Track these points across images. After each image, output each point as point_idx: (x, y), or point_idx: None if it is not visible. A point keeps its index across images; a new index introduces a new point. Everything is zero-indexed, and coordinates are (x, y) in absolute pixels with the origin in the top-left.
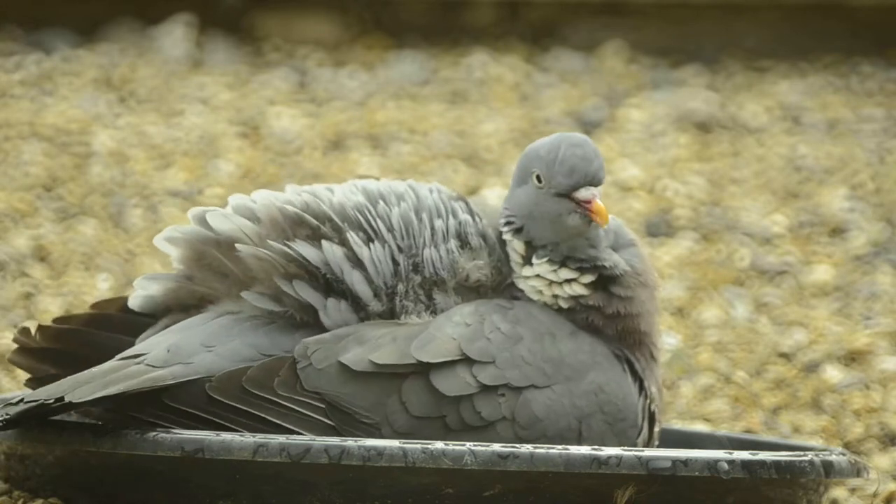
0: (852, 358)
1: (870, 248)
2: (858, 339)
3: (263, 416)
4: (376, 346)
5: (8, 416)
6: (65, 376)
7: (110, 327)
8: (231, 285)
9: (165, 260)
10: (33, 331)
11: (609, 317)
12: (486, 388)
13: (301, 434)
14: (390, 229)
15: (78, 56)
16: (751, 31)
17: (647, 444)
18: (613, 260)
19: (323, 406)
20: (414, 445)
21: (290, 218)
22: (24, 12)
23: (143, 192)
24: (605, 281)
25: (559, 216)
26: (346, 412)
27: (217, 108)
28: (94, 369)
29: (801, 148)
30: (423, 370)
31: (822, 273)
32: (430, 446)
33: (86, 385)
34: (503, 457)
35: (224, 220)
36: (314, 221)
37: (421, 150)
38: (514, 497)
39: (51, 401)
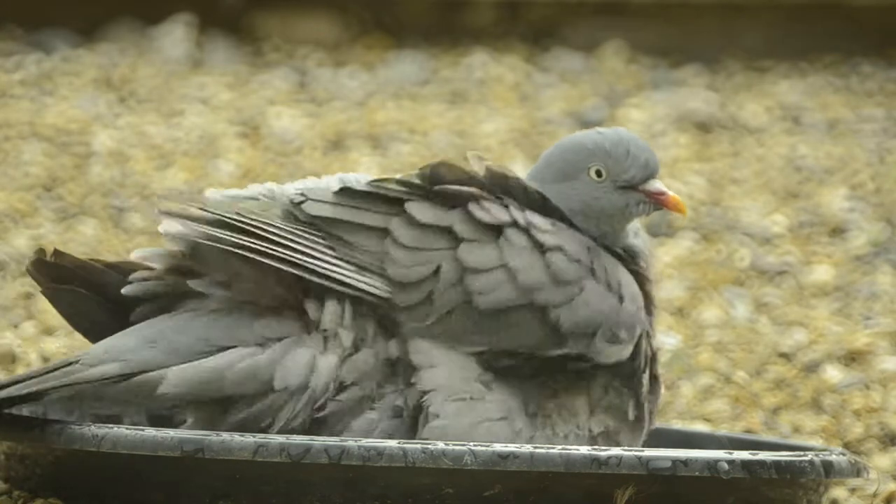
0: (852, 358)
1: (870, 248)
2: (858, 339)
3: (266, 234)
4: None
5: None
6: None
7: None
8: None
9: None
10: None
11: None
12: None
13: (307, 250)
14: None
15: (78, 56)
16: (751, 31)
17: (650, 396)
18: (640, 247)
19: (322, 236)
20: (414, 445)
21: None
22: (24, 12)
23: (143, 192)
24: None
25: (625, 207)
26: (346, 242)
27: (217, 108)
28: (38, 368)
29: (801, 148)
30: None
31: (822, 273)
32: (430, 446)
33: (19, 383)
34: (503, 457)
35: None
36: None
37: (421, 150)
38: (514, 497)
39: None
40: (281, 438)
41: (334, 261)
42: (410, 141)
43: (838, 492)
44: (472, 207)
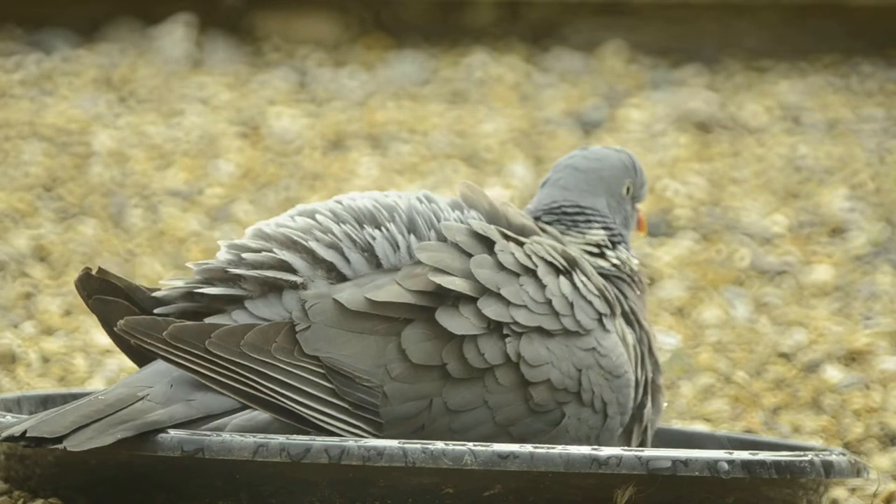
0: (852, 358)
1: (870, 248)
2: (858, 339)
3: (260, 378)
4: (376, 286)
5: (11, 436)
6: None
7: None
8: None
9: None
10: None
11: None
12: (490, 329)
13: (302, 393)
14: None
15: (78, 56)
16: (751, 31)
17: (652, 416)
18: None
19: (322, 371)
20: (414, 445)
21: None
22: (24, 12)
23: (143, 192)
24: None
25: (632, 220)
26: (345, 375)
27: (217, 108)
28: (96, 402)
29: (801, 148)
30: (426, 312)
31: (822, 273)
32: (430, 446)
33: (87, 428)
34: (503, 457)
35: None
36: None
37: (421, 150)
38: (514, 497)
39: (50, 441)
40: (281, 438)
41: (327, 403)
42: (410, 141)
43: (838, 492)
44: (466, 347)
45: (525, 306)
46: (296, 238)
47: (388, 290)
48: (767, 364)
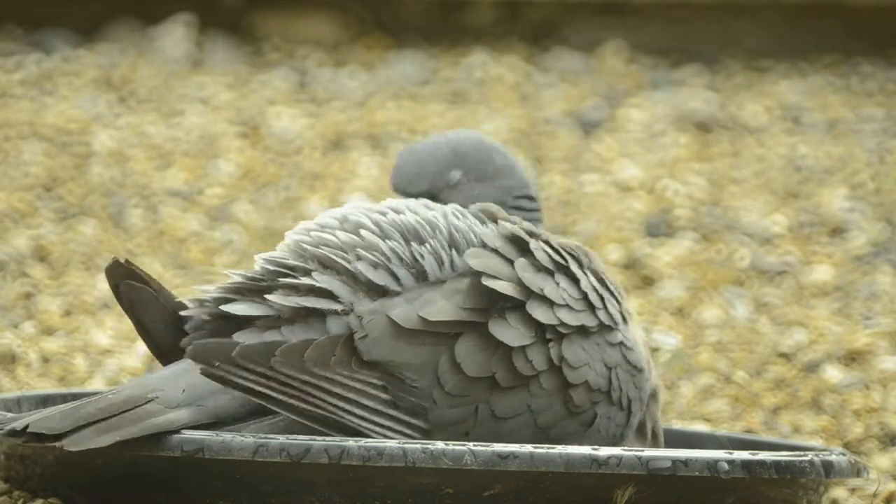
0: (852, 358)
1: (870, 248)
2: (858, 339)
3: (321, 394)
4: (426, 302)
5: (13, 430)
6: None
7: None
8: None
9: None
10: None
11: None
12: (537, 336)
13: (360, 406)
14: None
15: (78, 56)
16: (751, 31)
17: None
18: None
19: (380, 382)
20: (414, 445)
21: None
22: (24, 12)
23: (143, 192)
24: None
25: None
26: (399, 379)
27: (217, 108)
28: (104, 400)
29: (801, 148)
30: (477, 325)
31: (822, 273)
32: (430, 446)
33: (89, 427)
34: (503, 457)
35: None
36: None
37: None
38: (514, 497)
39: (50, 438)
40: (281, 438)
41: (383, 415)
42: (410, 141)
43: (838, 492)
44: (516, 356)
45: (567, 305)
46: (337, 258)
47: (440, 308)
48: (767, 364)
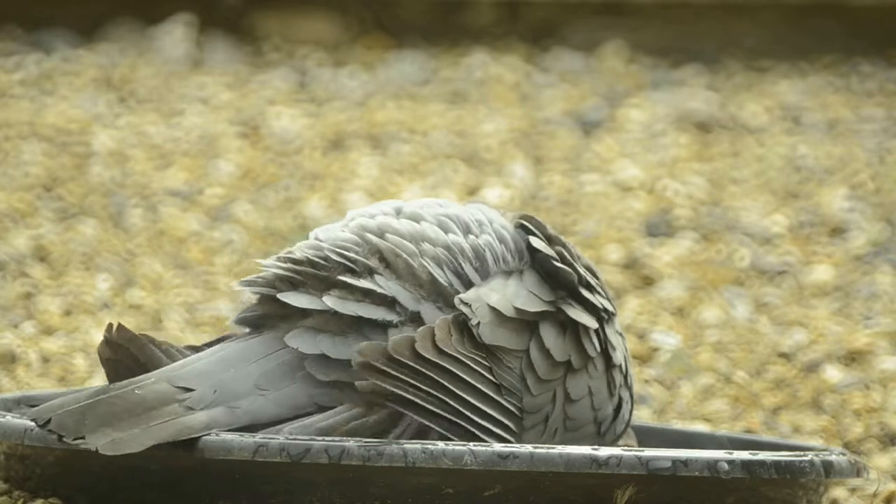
0: (852, 358)
1: (870, 248)
2: (858, 339)
3: (440, 375)
4: (515, 293)
5: (33, 419)
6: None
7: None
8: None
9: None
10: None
11: None
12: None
13: (474, 390)
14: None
15: (78, 56)
16: (751, 31)
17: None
18: None
19: (489, 364)
20: (414, 446)
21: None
22: (24, 12)
23: (143, 192)
24: None
25: None
26: (504, 366)
27: (217, 108)
28: (131, 395)
29: (801, 148)
30: (556, 312)
31: (822, 273)
32: (429, 446)
33: (114, 427)
34: (503, 457)
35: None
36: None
37: (421, 150)
38: (514, 497)
39: (71, 439)
40: (281, 438)
41: (489, 400)
42: (410, 141)
43: (838, 492)
44: (584, 339)
45: (599, 291)
46: (402, 253)
47: (528, 298)
48: (767, 364)
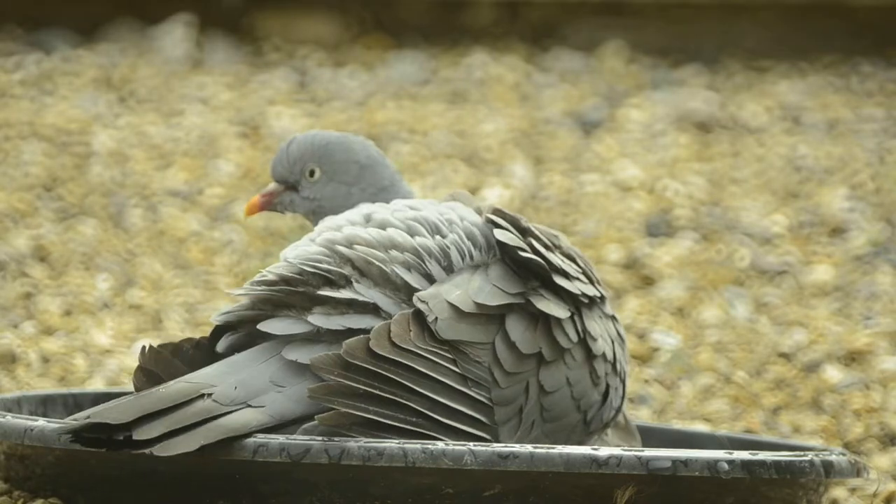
0: (852, 358)
1: (870, 248)
2: (858, 339)
3: (407, 372)
4: (478, 288)
5: (74, 429)
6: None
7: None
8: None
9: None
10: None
11: None
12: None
13: (439, 385)
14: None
15: (78, 56)
16: (751, 31)
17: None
18: None
19: (452, 357)
20: (414, 445)
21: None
22: (24, 12)
23: (143, 192)
24: None
25: None
26: (467, 355)
27: (217, 108)
28: (160, 395)
29: (801, 148)
30: (523, 305)
31: (822, 273)
32: (429, 446)
33: (155, 422)
34: (503, 457)
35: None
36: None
37: (421, 150)
38: (514, 497)
39: (119, 433)
40: (281, 438)
41: (455, 393)
42: (410, 141)
43: (838, 492)
44: (556, 330)
45: (578, 278)
46: (373, 260)
47: (491, 292)
48: (767, 364)
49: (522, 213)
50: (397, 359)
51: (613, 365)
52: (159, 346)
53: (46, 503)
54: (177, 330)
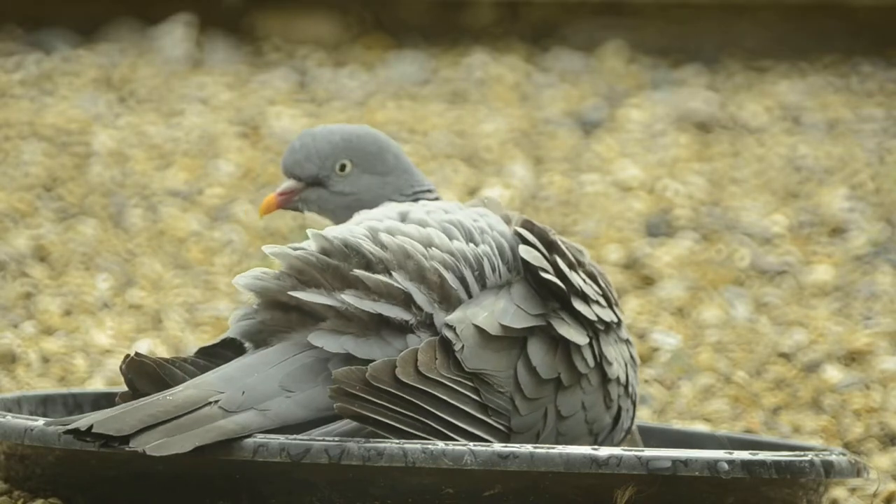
0: (852, 358)
1: (870, 248)
2: (858, 339)
3: (422, 400)
4: (503, 310)
5: (75, 430)
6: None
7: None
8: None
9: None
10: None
11: None
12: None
13: (460, 413)
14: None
15: (78, 56)
16: (751, 31)
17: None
18: None
19: (474, 385)
20: (414, 446)
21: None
22: (24, 12)
23: (143, 192)
24: None
25: None
26: (490, 385)
27: (217, 108)
28: (164, 401)
29: (801, 148)
30: (543, 328)
31: (822, 273)
32: (429, 446)
33: (155, 429)
34: (503, 457)
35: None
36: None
37: (421, 150)
38: (514, 497)
39: (116, 440)
40: (281, 438)
41: (475, 421)
42: (410, 141)
43: (838, 492)
44: (574, 356)
45: (597, 301)
46: (413, 252)
47: (516, 314)
48: (767, 364)
49: (522, 214)
50: (420, 387)
51: (626, 388)
52: (142, 356)
53: (46, 503)
54: (177, 330)
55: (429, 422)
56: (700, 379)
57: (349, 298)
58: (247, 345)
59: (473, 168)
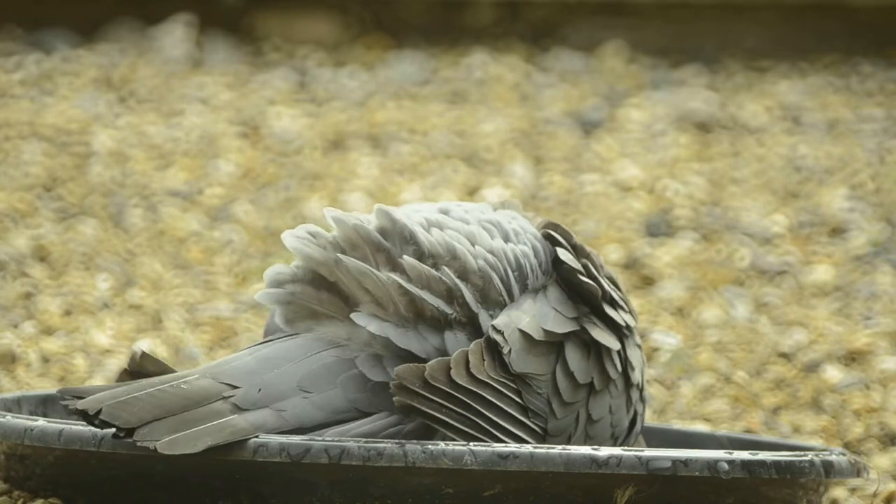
0: (852, 358)
1: (870, 248)
2: (858, 339)
3: (477, 402)
4: (544, 314)
5: (84, 412)
6: None
7: None
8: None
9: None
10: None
11: None
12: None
13: (504, 414)
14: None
15: (78, 56)
16: (751, 31)
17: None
18: None
19: (517, 387)
20: (414, 446)
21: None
22: (24, 12)
23: (143, 192)
24: None
25: None
26: (532, 387)
27: (217, 108)
28: (177, 390)
29: (801, 148)
30: (579, 332)
31: (822, 273)
32: (430, 446)
33: (162, 422)
34: (503, 457)
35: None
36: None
37: (421, 150)
38: (514, 497)
39: (123, 434)
40: (281, 438)
41: (516, 422)
42: (410, 141)
43: (838, 492)
44: (606, 360)
45: (622, 307)
46: (460, 246)
47: (556, 318)
48: (767, 364)
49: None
50: (472, 388)
51: (641, 392)
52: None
53: (46, 503)
54: (177, 330)
55: (479, 421)
56: (700, 379)
57: (396, 277)
58: (273, 308)
59: (473, 168)
